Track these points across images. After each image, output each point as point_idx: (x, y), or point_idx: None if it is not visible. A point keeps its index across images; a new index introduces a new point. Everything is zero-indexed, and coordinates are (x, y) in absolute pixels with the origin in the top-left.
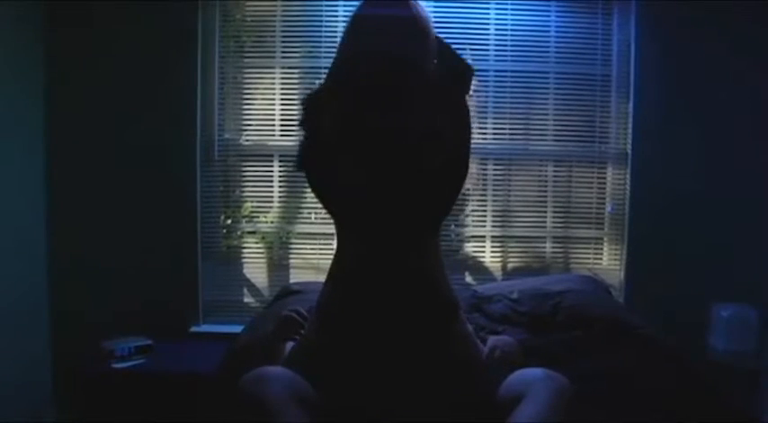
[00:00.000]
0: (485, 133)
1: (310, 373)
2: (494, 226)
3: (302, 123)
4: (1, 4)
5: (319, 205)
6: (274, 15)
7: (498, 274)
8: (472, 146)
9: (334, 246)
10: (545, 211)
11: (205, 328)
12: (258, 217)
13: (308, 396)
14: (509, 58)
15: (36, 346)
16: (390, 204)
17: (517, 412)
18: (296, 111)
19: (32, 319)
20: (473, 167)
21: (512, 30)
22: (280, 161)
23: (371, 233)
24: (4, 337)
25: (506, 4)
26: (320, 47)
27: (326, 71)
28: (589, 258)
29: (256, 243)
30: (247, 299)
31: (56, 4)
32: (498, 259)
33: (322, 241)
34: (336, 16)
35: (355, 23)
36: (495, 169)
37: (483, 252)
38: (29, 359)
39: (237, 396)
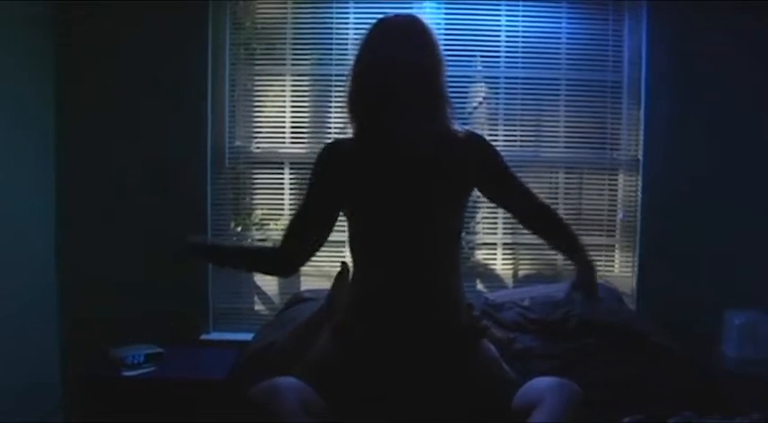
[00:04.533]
0: (496, 140)
1: (325, 391)
2: (505, 233)
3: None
4: (12, 6)
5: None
6: (285, 22)
7: (509, 281)
8: None
9: (346, 256)
10: None
11: (215, 335)
12: (268, 224)
13: (319, 408)
14: (520, 65)
15: (45, 353)
16: (416, 215)
17: (530, 421)
18: (307, 118)
19: (42, 327)
20: None
21: (523, 37)
22: (290, 168)
23: (396, 253)
24: (14, 344)
25: (517, 11)
26: (331, 54)
27: (337, 78)
28: (601, 265)
29: None
30: (258, 306)
31: (66, 8)
32: (509, 266)
33: (333, 249)
34: (347, 23)
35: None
36: None
37: (494, 259)
38: (38, 367)
39: (248, 405)
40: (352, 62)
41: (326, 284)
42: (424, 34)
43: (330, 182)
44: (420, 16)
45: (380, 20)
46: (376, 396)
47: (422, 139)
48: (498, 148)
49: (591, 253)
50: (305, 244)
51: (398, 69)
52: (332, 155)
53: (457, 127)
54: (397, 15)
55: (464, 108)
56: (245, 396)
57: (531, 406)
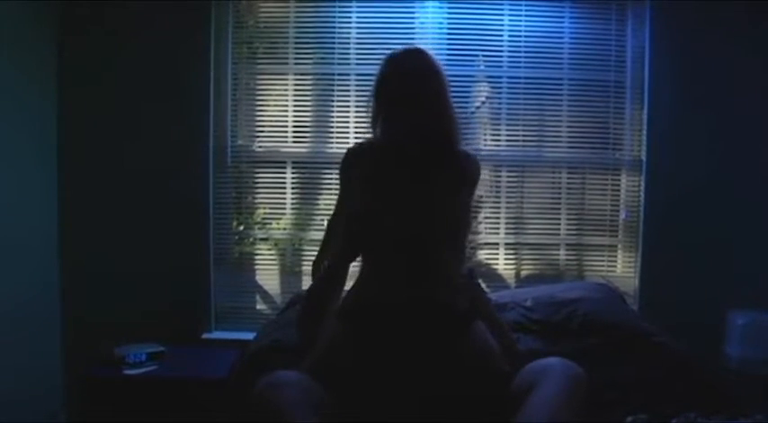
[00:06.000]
0: (498, 140)
1: (331, 372)
2: (507, 233)
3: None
4: (15, 7)
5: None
6: (287, 21)
7: (512, 281)
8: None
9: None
10: (559, 219)
11: (217, 334)
12: (270, 223)
13: (323, 402)
14: (522, 65)
15: (48, 352)
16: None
17: (533, 395)
18: (309, 117)
19: (45, 326)
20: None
21: (525, 36)
22: (292, 168)
23: (395, 243)
24: (16, 343)
25: (520, 10)
26: (333, 53)
27: (339, 77)
28: (603, 266)
29: (269, 250)
30: (259, 306)
31: (69, 7)
32: (512, 267)
33: None
34: (349, 22)
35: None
36: (508, 176)
37: (496, 259)
38: (41, 365)
39: (252, 401)
40: (371, 94)
41: None
42: (429, 64)
43: (350, 178)
44: (424, 49)
45: (390, 56)
46: (377, 377)
47: (424, 150)
48: (501, 148)
49: (593, 253)
50: None
51: (410, 97)
52: (351, 155)
53: (460, 146)
54: (405, 50)
55: (467, 107)
56: (250, 391)
57: (534, 383)
